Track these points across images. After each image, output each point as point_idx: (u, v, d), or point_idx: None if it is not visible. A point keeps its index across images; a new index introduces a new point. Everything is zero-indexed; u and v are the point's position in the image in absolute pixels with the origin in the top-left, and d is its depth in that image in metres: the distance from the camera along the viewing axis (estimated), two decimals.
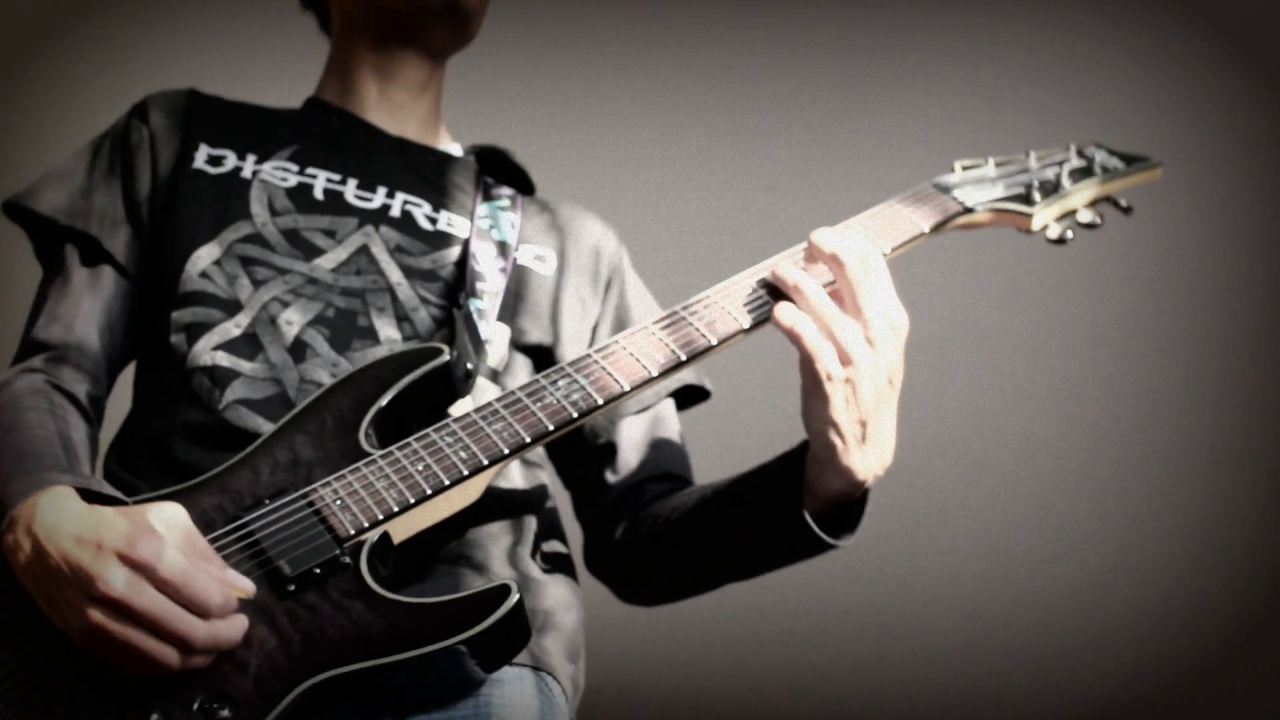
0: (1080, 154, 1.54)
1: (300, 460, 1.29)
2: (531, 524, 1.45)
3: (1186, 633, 2.94)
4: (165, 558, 1.14)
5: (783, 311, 1.29)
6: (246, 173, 1.55)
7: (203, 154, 1.56)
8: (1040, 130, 2.96)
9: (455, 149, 1.72)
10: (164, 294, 1.49)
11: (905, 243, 1.41)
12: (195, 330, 1.44)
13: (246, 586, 1.19)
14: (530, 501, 1.48)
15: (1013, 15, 2.84)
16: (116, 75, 2.68)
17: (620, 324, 1.61)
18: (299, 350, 1.42)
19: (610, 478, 1.57)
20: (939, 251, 2.94)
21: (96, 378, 1.49)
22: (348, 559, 1.21)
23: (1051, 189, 1.49)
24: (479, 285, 1.50)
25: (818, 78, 2.92)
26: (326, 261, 1.49)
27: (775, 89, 2.91)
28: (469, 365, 1.40)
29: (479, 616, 1.17)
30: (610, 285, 1.65)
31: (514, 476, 1.47)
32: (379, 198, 1.56)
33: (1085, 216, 1.50)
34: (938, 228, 1.44)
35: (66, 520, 1.18)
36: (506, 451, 1.26)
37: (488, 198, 1.63)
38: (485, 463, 1.26)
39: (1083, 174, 1.51)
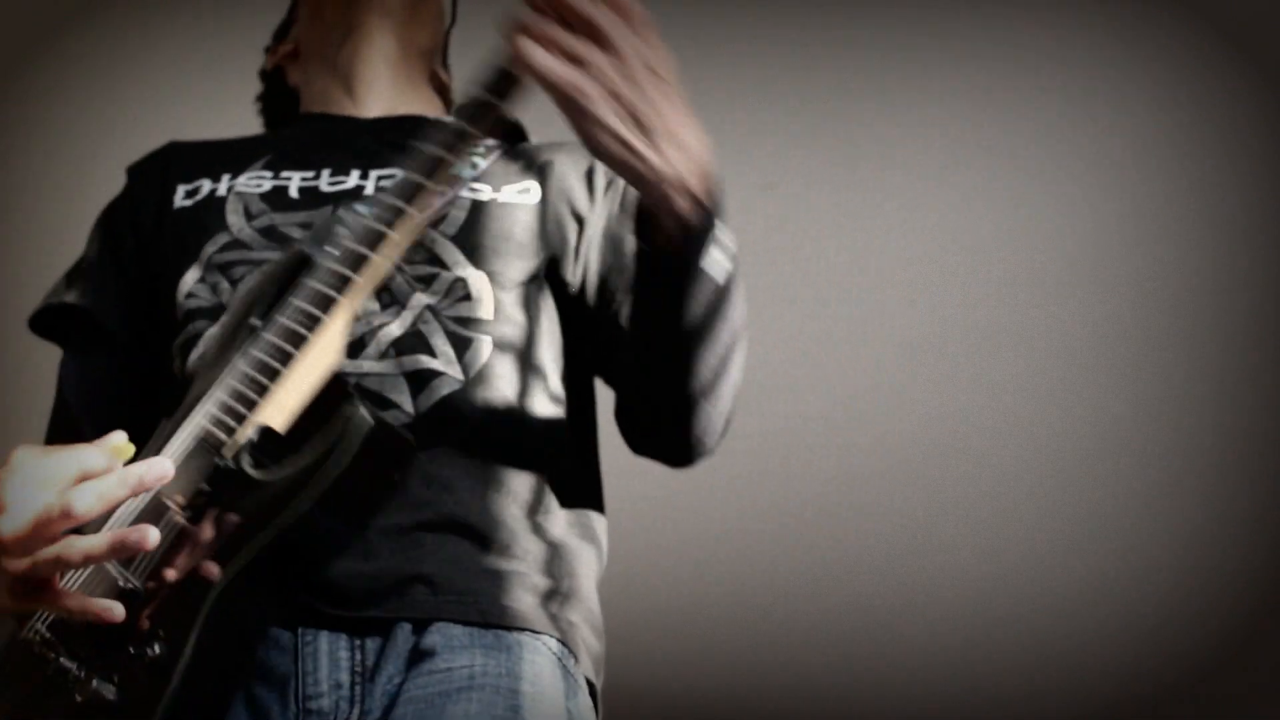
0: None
1: (189, 403, 1.29)
2: (546, 483, 1.40)
3: (1187, 633, 2.95)
4: (24, 473, 1.15)
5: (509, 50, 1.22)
6: (221, 191, 1.55)
7: (180, 193, 1.56)
8: (1040, 130, 2.97)
9: (439, 112, 1.69)
10: (167, 331, 1.49)
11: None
12: (186, 349, 1.44)
13: (115, 439, 1.19)
14: (541, 458, 1.42)
15: (1013, 14, 2.84)
16: (116, 76, 2.68)
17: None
18: None
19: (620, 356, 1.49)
20: (939, 252, 2.95)
21: None
22: (229, 464, 1.21)
23: None
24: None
25: (817, 77, 2.92)
26: None
27: (775, 88, 2.91)
28: (332, 251, 1.34)
29: (344, 454, 1.18)
30: (610, 187, 1.58)
31: (532, 438, 1.42)
32: (353, 180, 1.54)
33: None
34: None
35: None
36: (336, 295, 1.26)
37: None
38: (320, 315, 1.25)
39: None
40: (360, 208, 1.35)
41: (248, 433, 1.23)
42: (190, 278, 1.48)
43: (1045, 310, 2.92)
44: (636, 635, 2.72)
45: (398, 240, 1.28)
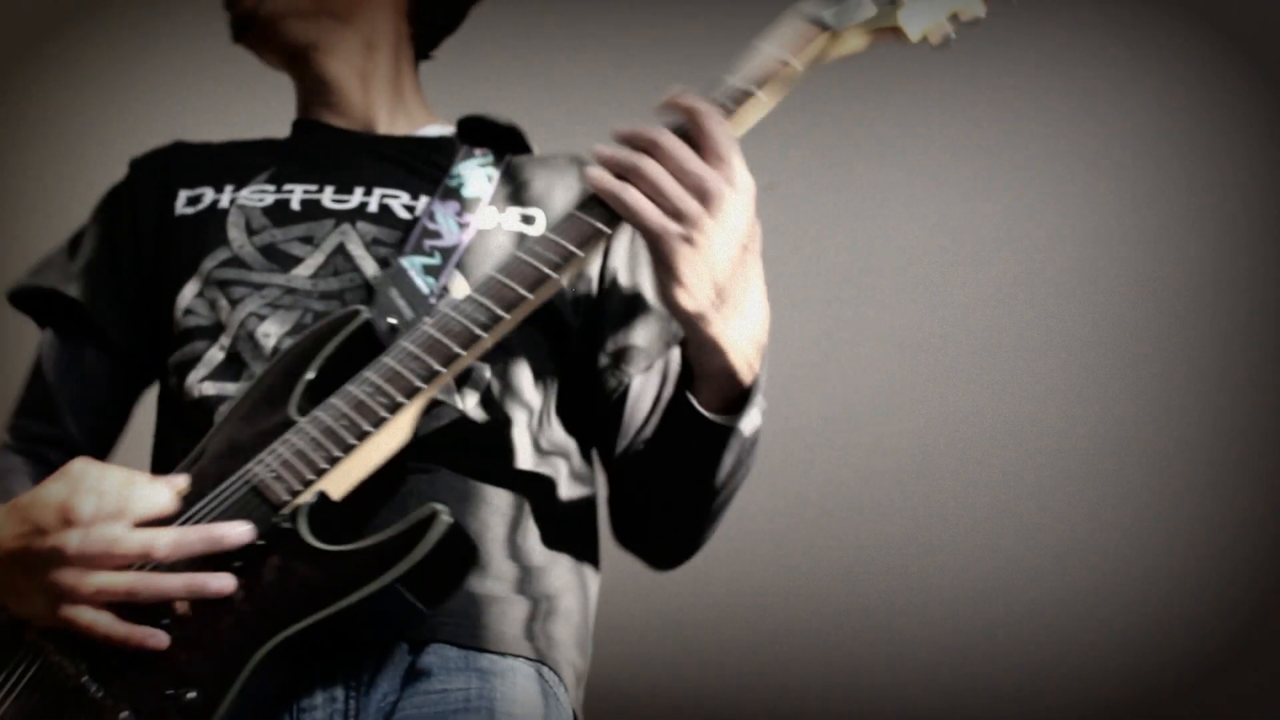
0: None
1: (237, 446, 1.30)
2: (533, 506, 1.43)
3: (1188, 633, 2.94)
4: (105, 500, 1.18)
5: (603, 179, 1.26)
6: (224, 203, 1.55)
7: (182, 199, 1.56)
8: (1040, 130, 2.97)
9: (440, 129, 1.70)
10: (165, 344, 1.49)
11: (770, 77, 1.40)
12: (184, 368, 1.45)
13: (178, 482, 1.23)
14: (532, 482, 1.45)
15: (1013, 15, 2.84)
16: (116, 77, 2.68)
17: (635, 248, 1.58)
18: None
19: (618, 441, 1.53)
20: (939, 253, 2.95)
21: (74, 450, 1.48)
22: (287, 524, 1.21)
23: None
24: (428, 243, 1.48)
25: (817, 76, 2.92)
26: (304, 269, 1.48)
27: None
28: (392, 320, 1.38)
29: (414, 546, 1.18)
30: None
31: (520, 459, 1.44)
32: (356, 197, 1.55)
33: (967, 15, 1.47)
34: (803, 55, 1.43)
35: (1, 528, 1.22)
36: (419, 384, 1.26)
37: (468, 156, 1.61)
38: (402, 400, 1.26)
39: None
40: (447, 305, 1.33)
41: (307, 496, 1.23)
42: (189, 292, 1.48)
43: (1046, 310, 2.92)
44: (636, 635, 2.72)
45: (489, 341, 1.29)
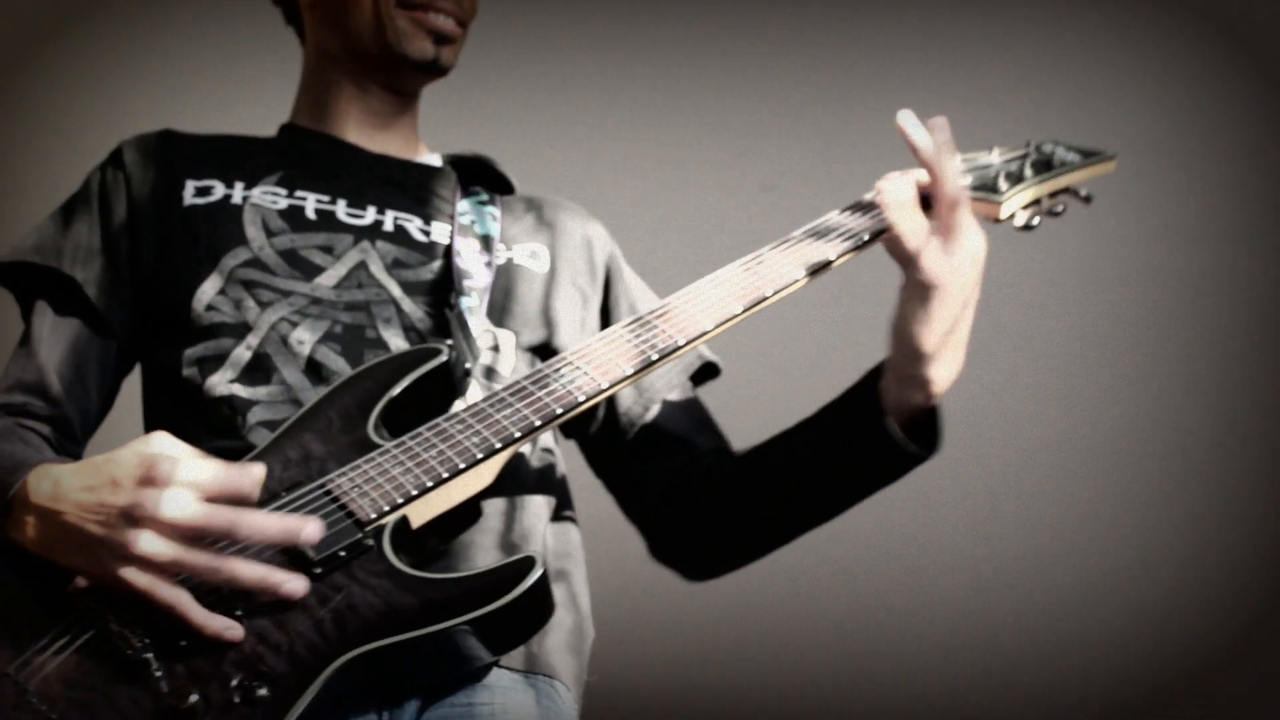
0: (1039, 149, 1.60)
1: (311, 456, 1.31)
2: (531, 527, 1.46)
3: (1188, 633, 2.94)
4: (183, 465, 1.16)
5: (949, 189, 1.35)
6: (237, 198, 1.55)
7: (190, 189, 1.56)
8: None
9: (435, 159, 1.73)
10: (172, 335, 1.49)
11: (882, 231, 1.44)
12: (208, 364, 1.45)
13: (257, 471, 1.22)
14: (527, 503, 1.48)
15: (1012, 15, 2.84)
16: (116, 77, 2.68)
17: (632, 308, 1.63)
18: (314, 370, 1.44)
19: (660, 461, 1.57)
20: None
21: (64, 427, 1.49)
22: (371, 541, 1.23)
23: (1016, 179, 1.54)
24: (466, 283, 1.51)
25: (817, 77, 2.92)
26: (327, 279, 1.50)
27: (774, 88, 2.91)
28: (467, 365, 1.41)
29: (507, 587, 1.19)
30: (610, 272, 1.67)
31: (517, 482, 1.47)
32: (370, 215, 1.57)
33: (1048, 205, 1.57)
34: None
35: (65, 479, 1.20)
36: (518, 434, 1.30)
37: (466, 194, 1.65)
38: (498, 445, 1.29)
39: (1044, 166, 1.57)
40: (548, 364, 1.37)
41: (392, 519, 1.25)
42: (209, 287, 1.49)
43: (1045, 310, 2.92)
44: (636, 637, 2.72)
45: (586, 408, 1.34)
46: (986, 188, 1.53)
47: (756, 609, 2.90)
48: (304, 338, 1.45)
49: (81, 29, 2.78)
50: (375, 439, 1.32)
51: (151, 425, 1.53)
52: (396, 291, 1.50)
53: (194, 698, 1.14)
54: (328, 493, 1.26)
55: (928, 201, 1.38)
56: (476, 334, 1.46)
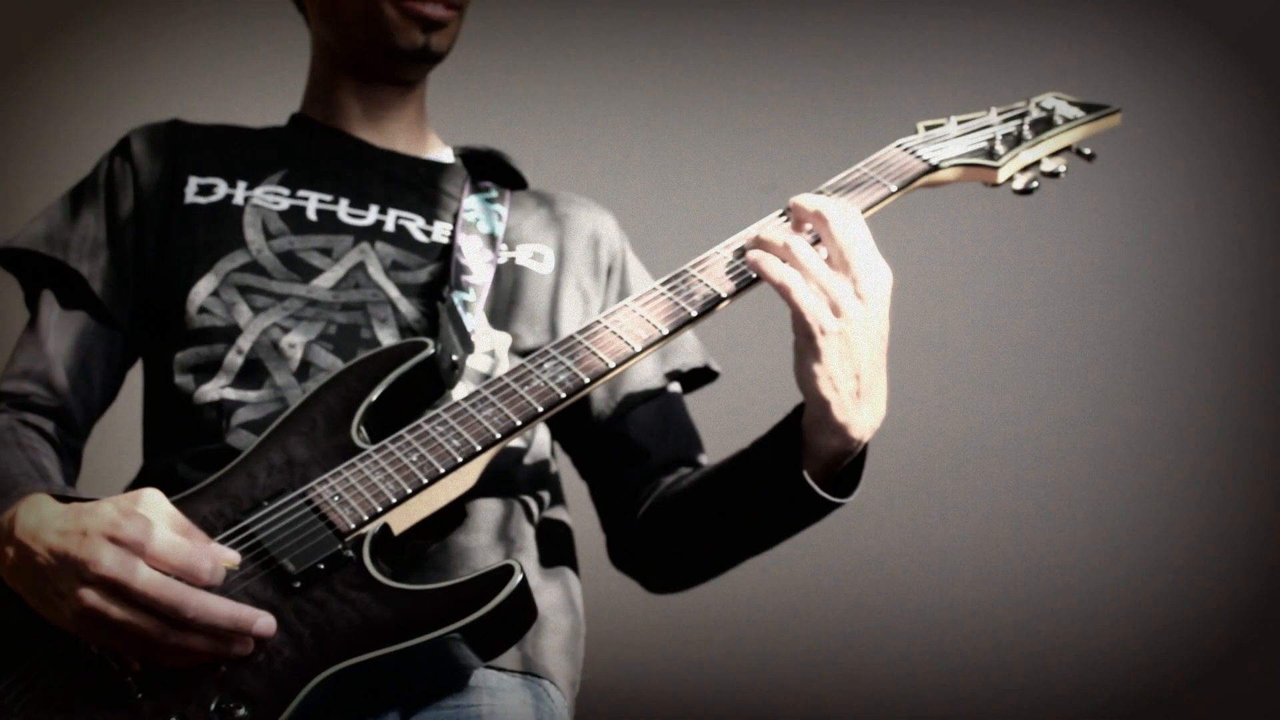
0: (1040, 106, 1.56)
1: (295, 461, 1.30)
2: (524, 528, 1.46)
3: (1189, 634, 2.94)
4: (153, 534, 1.15)
5: (771, 267, 1.29)
6: (238, 199, 1.55)
7: (193, 186, 1.57)
8: None
9: (445, 154, 1.73)
10: (166, 335, 1.50)
11: (875, 204, 1.42)
12: (201, 371, 1.46)
13: (231, 557, 1.20)
14: (525, 507, 1.48)
15: (1012, 16, 2.84)
16: (116, 73, 2.68)
17: None
18: (304, 371, 1.44)
19: (623, 471, 1.57)
20: (940, 252, 2.95)
21: (67, 420, 1.49)
22: (350, 553, 1.22)
23: (1014, 141, 1.50)
24: (465, 278, 1.50)
25: (819, 77, 2.92)
26: (324, 281, 1.50)
27: (776, 88, 2.91)
28: (454, 358, 1.40)
29: (485, 597, 1.18)
30: (612, 272, 1.66)
31: (509, 481, 1.47)
32: (372, 215, 1.57)
33: (1049, 166, 1.51)
34: (905, 186, 1.45)
35: (47, 518, 1.20)
36: (498, 436, 1.28)
37: (475, 191, 1.64)
38: (478, 448, 1.27)
39: (1044, 125, 1.53)
40: (530, 360, 1.34)
41: (372, 528, 1.24)
42: (203, 288, 1.49)
43: (1047, 310, 2.92)
44: (637, 639, 2.72)
45: (567, 404, 1.31)
46: (983, 152, 1.49)
47: (755, 609, 2.90)
48: (295, 341, 1.45)
49: (88, 12, 2.78)
50: (358, 442, 1.31)
51: (148, 423, 1.55)
52: (393, 293, 1.50)
53: (168, 716, 1.14)
54: (308, 502, 1.25)
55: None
56: (471, 327, 1.45)
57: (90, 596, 1.14)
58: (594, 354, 1.31)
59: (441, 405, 1.33)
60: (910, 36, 2.86)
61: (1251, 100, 2.80)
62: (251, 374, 1.44)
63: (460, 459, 1.26)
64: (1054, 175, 1.50)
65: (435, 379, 1.39)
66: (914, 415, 2.94)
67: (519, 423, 1.28)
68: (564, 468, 1.63)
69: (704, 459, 1.59)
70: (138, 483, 1.47)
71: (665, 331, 1.32)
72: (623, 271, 1.67)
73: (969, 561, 2.97)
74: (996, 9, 2.85)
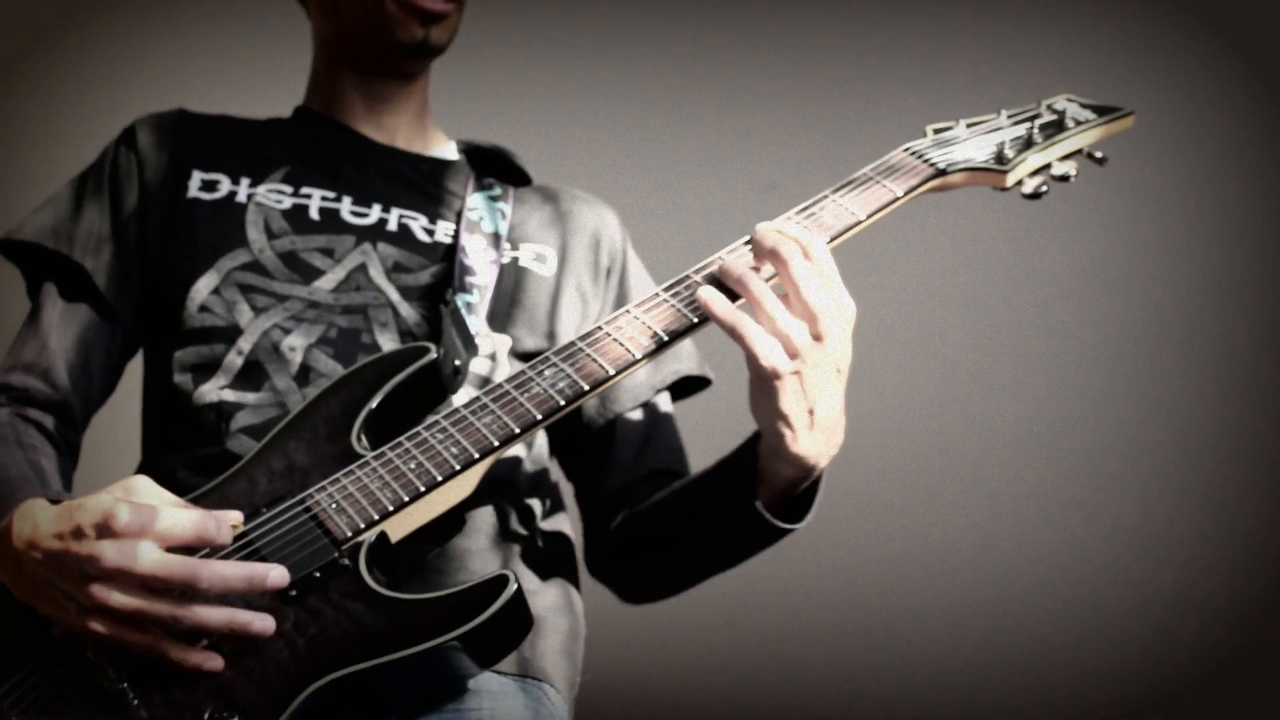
0: (1051, 108, 1.54)
1: (295, 467, 1.30)
2: (523, 532, 1.45)
3: (1189, 634, 2.94)
4: (154, 514, 1.15)
5: (721, 309, 1.26)
6: (241, 197, 1.55)
7: (196, 181, 1.56)
8: None
9: (448, 150, 1.72)
10: (166, 332, 1.49)
11: (881, 208, 1.40)
12: (200, 371, 1.45)
13: (234, 517, 1.20)
14: (526, 510, 1.47)
15: (1013, 16, 2.84)
16: (117, 73, 2.67)
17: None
18: (304, 375, 1.43)
19: (603, 479, 1.57)
20: (939, 252, 2.95)
21: (66, 414, 1.49)
22: (346, 561, 1.21)
23: (1024, 145, 1.48)
24: (468, 279, 1.50)
25: (819, 76, 2.91)
26: (325, 283, 1.49)
27: (776, 88, 2.91)
28: (457, 362, 1.40)
29: (480, 608, 1.17)
30: (610, 273, 1.65)
31: (509, 485, 1.47)
32: (375, 213, 1.56)
33: (1059, 170, 1.49)
34: (911, 192, 1.43)
35: (41, 523, 1.19)
36: (496, 444, 1.27)
37: (479, 188, 1.64)
38: (476, 456, 1.26)
39: (1054, 128, 1.50)
40: (530, 367, 1.33)
41: (369, 536, 1.23)
42: (204, 286, 1.48)
43: (1046, 310, 2.92)
44: (635, 635, 2.72)
45: (566, 411, 1.29)
46: (992, 157, 1.47)
47: (755, 609, 2.90)
48: (296, 344, 1.44)
49: (88, 12, 2.78)
50: (358, 449, 1.30)
51: (146, 418, 1.55)
52: (394, 296, 1.49)
53: None
54: (307, 509, 1.24)
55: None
56: (475, 330, 1.45)
57: (98, 592, 1.13)
58: (595, 361, 1.30)
59: (442, 411, 1.32)
60: (909, 37, 2.86)
61: (1251, 100, 2.80)
62: (251, 375, 1.43)
63: (458, 467, 1.26)
64: (1064, 179, 1.48)
65: (438, 383, 1.38)
66: (914, 415, 2.94)
67: (518, 430, 1.27)
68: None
69: (688, 469, 1.59)
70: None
71: (666, 338, 1.31)
72: (622, 273, 1.66)
73: (969, 561, 2.97)
74: (996, 9, 2.85)
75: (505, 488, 1.43)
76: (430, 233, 1.57)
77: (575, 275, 1.61)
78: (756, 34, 2.92)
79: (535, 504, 1.49)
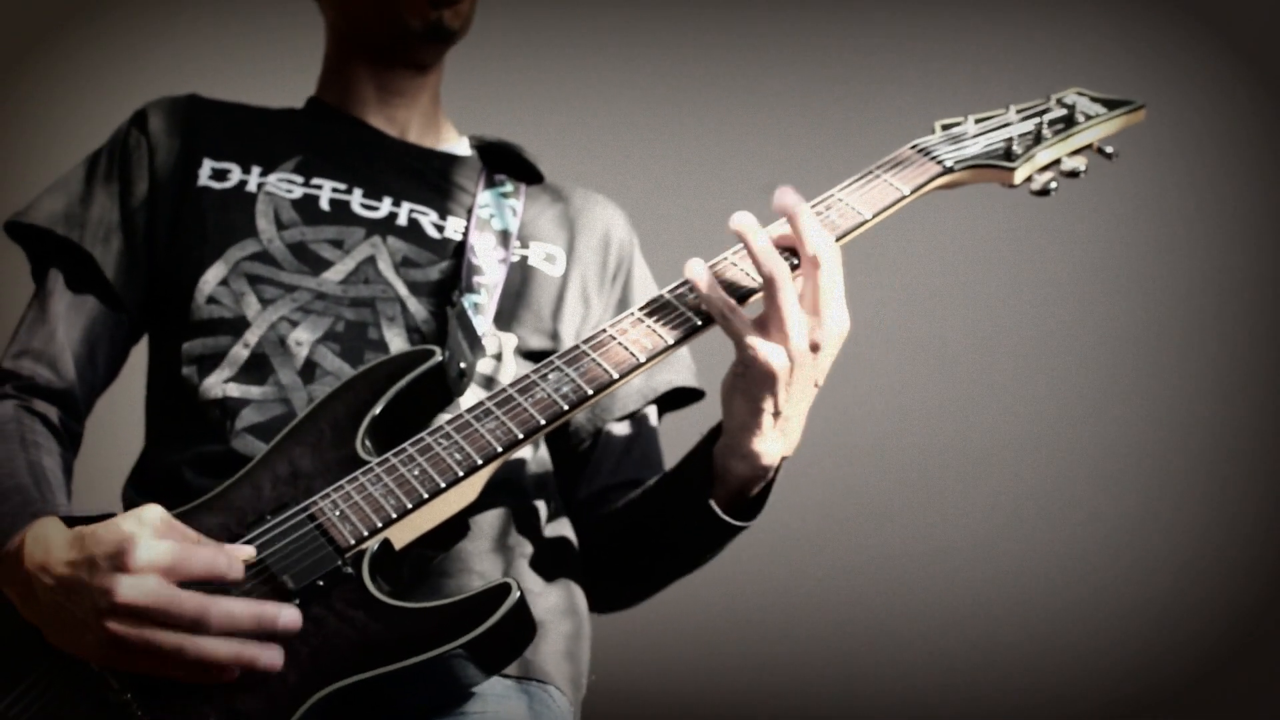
0: (1061, 103, 1.51)
1: (300, 473, 1.29)
2: (527, 535, 1.44)
3: (1189, 634, 2.94)
4: (165, 551, 1.15)
5: (727, 315, 1.28)
6: (251, 186, 1.54)
7: (206, 169, 1.55)
8: None
9: (460, 145, 1.71)
10: (174, 322, 1.49)
11: (887, 207, 1.39)
12: (206, 363, 1.44)
13: (246, 552, 1.20)
14: (528, 513, 1.47)
15: (1013, 16, 2.84)
16: (117, 73, 2.67)
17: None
18: (309, 371, 1.42)
19: (582, 485, 1.57)
20: (941, 250, 2.95)
21: (71, 405, 1.48)
22: (350, 569, 1.21)
23: (1033, 141, 1.46)
24: (476, 279, 1.49)
25: (820, 76, 2.91)
26: (334, 274, 1.49)
27: (777, 88, 2.91)
28: (462, 365, 1.39)
29: (482, 616, 1.17)
30: (616, 277, 1.65)
31: (512, 488, 1.46)
32: (385, 207, 1.56)
33: (1069, 165, 1.47)
34: (919, 189, 1.42)
35: (54, 548, 1.19)
36: (500, 449, 1.26)
37: (490, 185, 1.63)
38: (479, 462, 1.26)
39: (1064, 123, 1.48)
40: (535, 371, 1.32)
41: (372, 543, 1.23)
42: (212, 276, 1.47)
43: (1046, 310, 2.92)
44: (635, 635, 2.72)
45: (570, 415, 1.29)
46: (1000, 154, 1.45)
47: (756, 609, 2.90)
48: (302, 338, 1.44)
49: (88, 12, 2.78)
50: (362, 455, 1.30)
51: (150, 408, 1.54)
52: (402, 290, 1.49)
53: None
54: (310, 516, 1.24)
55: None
56: (481, 331, 1.44)
57: (113, 625, 1.13)
58: (599, 365, 1.29)
59: (446, 415, 1.32)
60: (910, 37, 2.86)
61: (1252, 100, 2.80)
62: (256, 369, 1.42)
63: (461, 473, 1.25)
64: (1074, 175, 1.47)
65: (443, 386, 1.38)
66: (914, 415, 2.94)
67: (520, 435, 1.26)
68: None
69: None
70: (140, 474, 1.47)
71: (671, 342, 1.30)
72: (627, 276, 1.66)
73: (969, 561, 2.97)
74: (997, 10, 2.85)
75: (509, 490, 1.43)
76: (440, 229, 1.56)
77: (582, 276, 1.61)
78: (758, 33, 2.92)
79: (539, 506, 1.48)
